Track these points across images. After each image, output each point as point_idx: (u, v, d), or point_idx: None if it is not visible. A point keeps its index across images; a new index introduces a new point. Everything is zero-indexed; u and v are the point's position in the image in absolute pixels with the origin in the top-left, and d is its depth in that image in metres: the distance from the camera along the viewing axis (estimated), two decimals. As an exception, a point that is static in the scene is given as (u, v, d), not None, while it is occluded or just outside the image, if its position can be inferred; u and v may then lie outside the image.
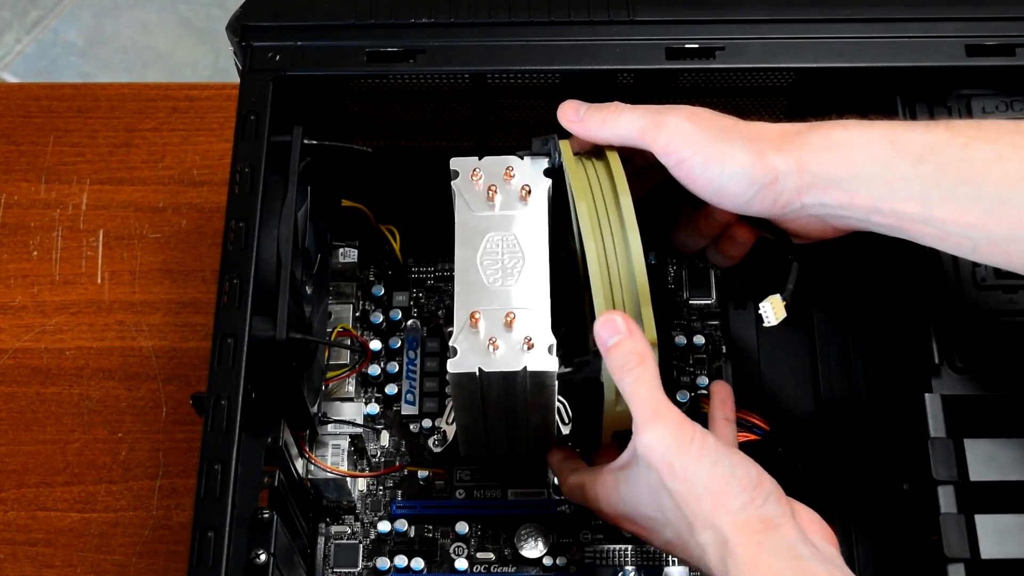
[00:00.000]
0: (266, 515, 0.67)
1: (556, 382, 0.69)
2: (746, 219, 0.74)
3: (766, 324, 0.71)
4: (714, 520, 0.63)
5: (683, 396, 0.83)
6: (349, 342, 0.85)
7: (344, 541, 0.81)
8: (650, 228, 0.70)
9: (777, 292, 0.71)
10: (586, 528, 0.80)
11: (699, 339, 0.85)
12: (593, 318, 0.68)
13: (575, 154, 0.72)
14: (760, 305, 0.71)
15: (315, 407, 0.79)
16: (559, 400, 0.76)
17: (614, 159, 0.71)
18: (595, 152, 0.73)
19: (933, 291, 0.71)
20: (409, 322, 0.87)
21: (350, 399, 0.83)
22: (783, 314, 0.71)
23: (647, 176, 0.74)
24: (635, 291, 0.68)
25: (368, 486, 0.83)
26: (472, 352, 0.68)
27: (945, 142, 0.64)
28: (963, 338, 0.70)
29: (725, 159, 0.67)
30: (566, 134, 0.73)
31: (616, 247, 0.69)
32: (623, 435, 0.72)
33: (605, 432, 0.73)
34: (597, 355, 0.67)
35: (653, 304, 0.66)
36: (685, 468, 0.64)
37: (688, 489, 0.64)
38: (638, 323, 0.67)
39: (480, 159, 0.72)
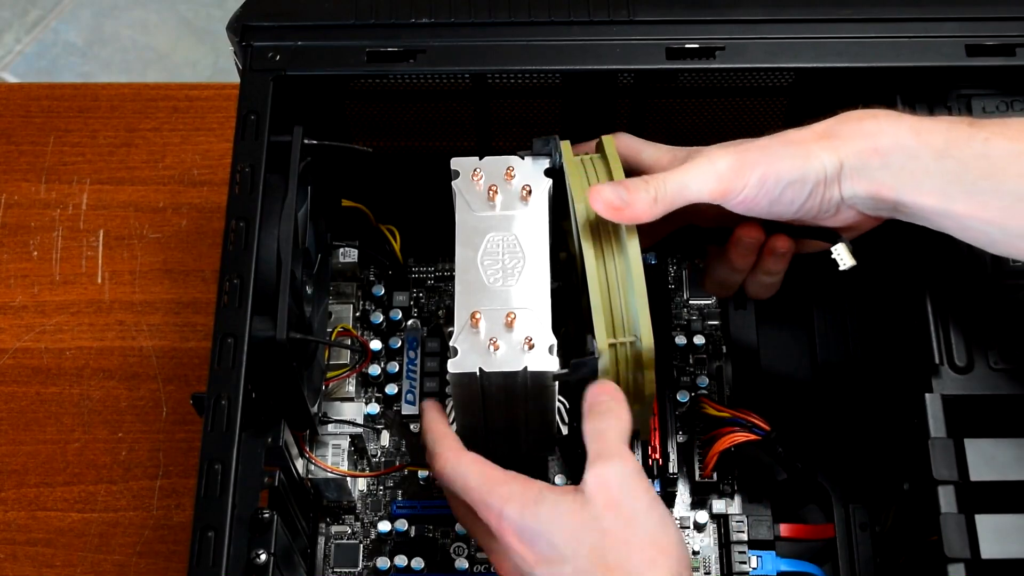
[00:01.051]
0: (266, 515, 0.67)
1: (556, 382, 0.69)
2: (780, 228, 0.71)
3: (842, 267, 0.69)
4: (646, 574, 0.62)
5: (683, 396, 0.83)
6: (349, 342, 0.85)
7: (344, 541, 0.81)
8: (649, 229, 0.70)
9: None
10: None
11: (699, 339, 0.85)
12: (591, 319, 0.68)
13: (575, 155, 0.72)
14: (834, 248, 0.69)
15: (315, 407, 0.79)
16: (559, 400, 0.75)
17: (614, 160, 0.70)
18: (596, 153, 0.73)
19: (933, 291, 0.71)
20: (409, 322, 0.87)
21: (350, 399, 0.83)
22: (854, 260, 0.70)
23: (654, 229, 0.72)
24: (632, 293, 0.68)
25: (368, 486, 0.83)
26: (472, 352, 0.68)
27: (967, 137, 0.65)
28: (963, 338, 0.70)
29: (778, 171, 0.66)
30: (567, 134, 0.73)
31: (614, 249, 0.68)
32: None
33: None
34: (593, 356, 0.67)
35: (652, 305, 0.66)
36: (634, 513, 0.63)
37: (629, 535, 0.62)
38: (634, 322, 0.67)
39: (481, 159, 0.72)
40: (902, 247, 0.72)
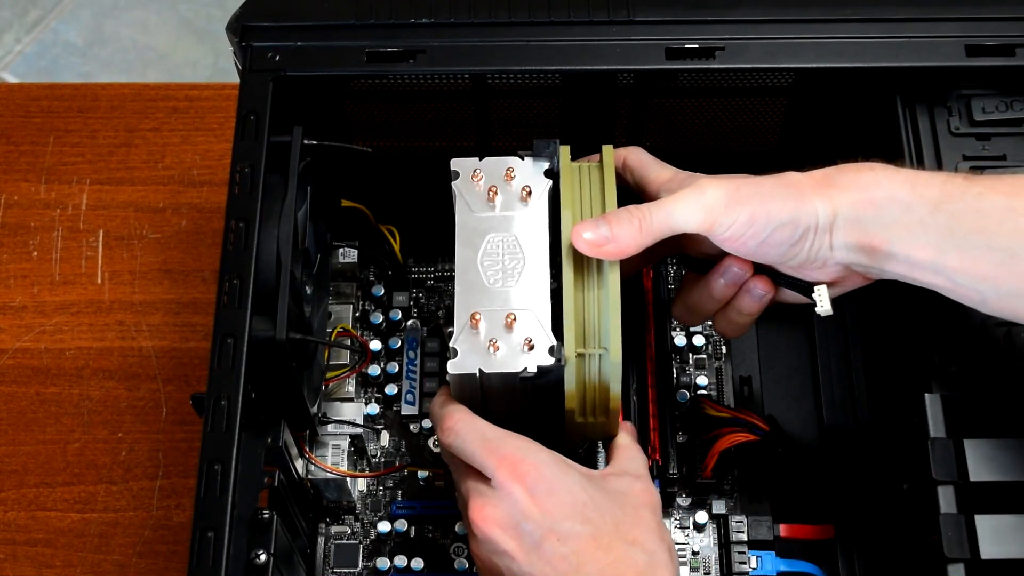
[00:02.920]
0: (266, 515, 0.67)
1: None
2: (763, 271, 0.71)
3: (819, 311, 0.69)
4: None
5: (683, 396, 0.83)
6: (349, 342, 0.85)
7: (344, 541, 0.81)
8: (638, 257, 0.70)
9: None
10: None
11: (699, 339, 0.85)
12: (562, 326, 0.67)
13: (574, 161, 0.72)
14: (816, 288, 0.69)
15: (315, 407, 0.79)
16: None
17: (609, 173, 0.70)
18: (595, 162, 0.72)
19: (933, 291, 0.71)
20: (409, 322, 0.87)
21: (350, 399, 0.83)
22: (831, 308, 0.70)
23: (641, 256, 0.71)
24: (606, 305, 0.67)
25: (368, 486, 0.83)
26: (472, 353, 0.68)
27: (961, 191, 0.64)
28: (963, 338, 0.70)
29: (769, 211, 0.66)
30: (566, 134, 0.73)
31: (595, 259, 0.68)
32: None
33: (568, 441, 0.73)
34: (560, 363, 0.67)
35: (652, 305, 0.66)
36: (659, 522, 0.68)
37: (664, 533, 0.67)
38: (605, 334, 0.67)
39: (481, 160, 0.72)
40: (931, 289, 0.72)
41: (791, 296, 0.72)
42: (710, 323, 0.86)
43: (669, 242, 0.69)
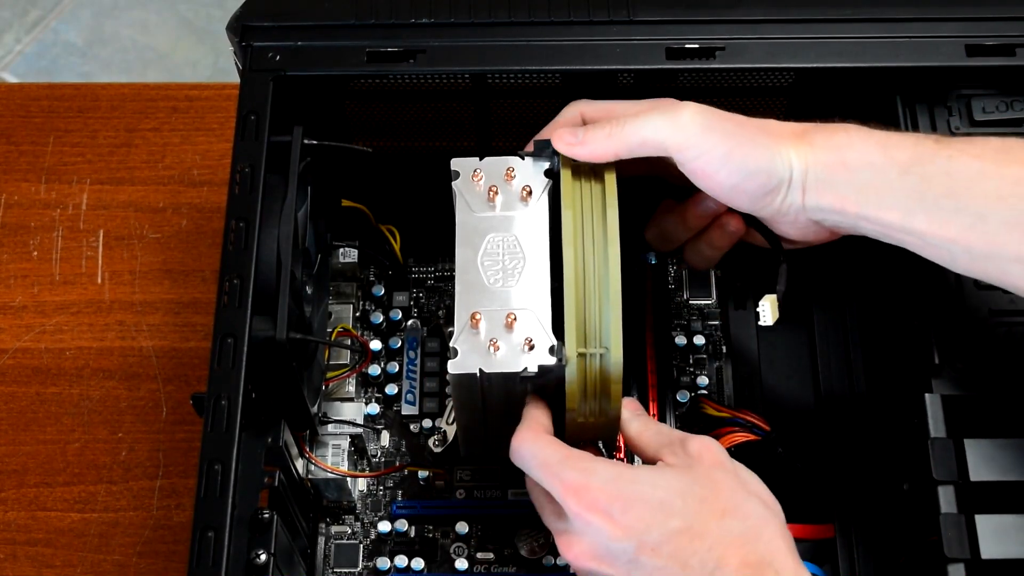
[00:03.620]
0: (266, 515, 0.67)
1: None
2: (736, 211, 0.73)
3: (762, 323, 0.71)
4: (757, 523, 0.63)
5: (683, 396, 0.83)
6: (349, 342, 0.85)
7: (344, 541, 0.81)
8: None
9: (773, 292, 0.72)
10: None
11: (699, 339, 0.86)
12: (563, 325, 0.67)
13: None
14: (760, 303, 0.71)
15: (315, 407, 0.79)
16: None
17: (609, 170, 0.70)
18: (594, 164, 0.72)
19: (933, 291, 0.71)
20: (409, 322, 0.87)
21: (350, 399, 0.83)
22: (777, 314, 0.72)
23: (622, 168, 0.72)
24: (607, 305, 0.68)
25: (368, 486, 0.83)
26: (473, 353, 0.68)
27: (931, 154, 0.65)
28: (963, 338, 0.70)
29: (747, 154, 0.67)
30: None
31: (596, 259, 0.68)
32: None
33: (568, 441, 0.73)
34: (560, 363, 0.67)
35: (652, 304, 0.67)
36: (738, 472, 0.66)
37: (739, 486, 0.65)
38: (606, 334, 0.67)
39: (481, 159, 0.72)
40: (901, 248, 0.72)
41: (759, 239, 0.73)
42: (710, 323, 0.87)
43: (647, 163, 0.70)
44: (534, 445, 0.66)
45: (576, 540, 0.64)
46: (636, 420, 0.70)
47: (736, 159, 0.67)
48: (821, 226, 0.69)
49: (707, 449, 0.66)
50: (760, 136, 0.67)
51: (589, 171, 0.71)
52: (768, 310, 0.71)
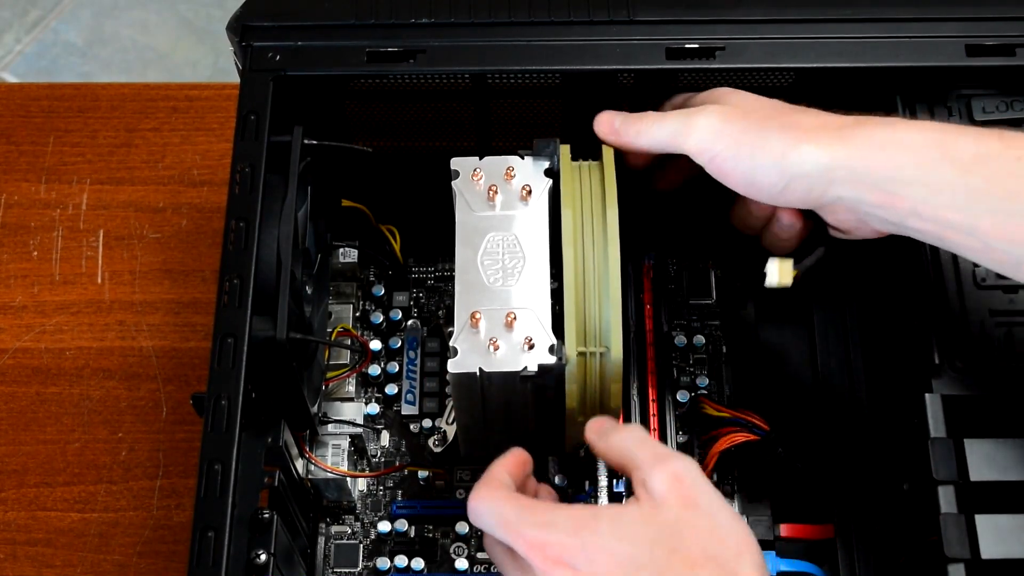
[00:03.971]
0: (266, 515, 0.67)
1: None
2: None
3: (766, 284, 0.70)
4: (734, 567, 0.59)
5: (683, 396, 0.83)
6: (349, 342, 0.85)
7: (344, 541, 0.81)
8: (649, 229, 0.70)
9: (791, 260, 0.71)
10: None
11: (699, 339, 0.85)
12: (563, 324, 0.67)
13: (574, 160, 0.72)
14: (767, 264, 0.70)
15: (315, 407, 0.79)
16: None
17: (609, 169, 0.70)
18: (594, 161, 0.73)
19: (933, 291, 0.71)
20: (409, 322, 0.87)
21: (350, 399, 0.83)
22: (788, 282, 0.70)
23: (682, 168, 0.73)
24: (607, 304, 0.68)
25: (368, 486, 0.83)
26: (472, 352, 0.68)
27: (997, 153, 0.63)
28: (963, 338, 0.70)
29: (756, 150, 0.67)
30: (567, 138, 0.73)
31: (596, 258, 0.68)
32: None
33: (568, 442, 0.73)
34: (561, 362, 0.67)
35: (653, 304, 0.67)
36: (711, 507, 0.60)
37: (711, 527, 0.60)
38: (606, 333, 0.67)
39: (481, 159, 0.72)
40: (902, 248, 0.72)
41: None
42: (710, 323, 0.87)
43: (686, 165, 0.71)
44: (492, 503, 0.63)
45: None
46: (599, 443, 0.66)
47: (744, 158, 0.67)
48: (864, 222, 0.68)
49: (677, 483, 0.61)
50: (777, 132, 0.67)
51: (589, 170, 0.71)
52: (775, 272, 0.70)
